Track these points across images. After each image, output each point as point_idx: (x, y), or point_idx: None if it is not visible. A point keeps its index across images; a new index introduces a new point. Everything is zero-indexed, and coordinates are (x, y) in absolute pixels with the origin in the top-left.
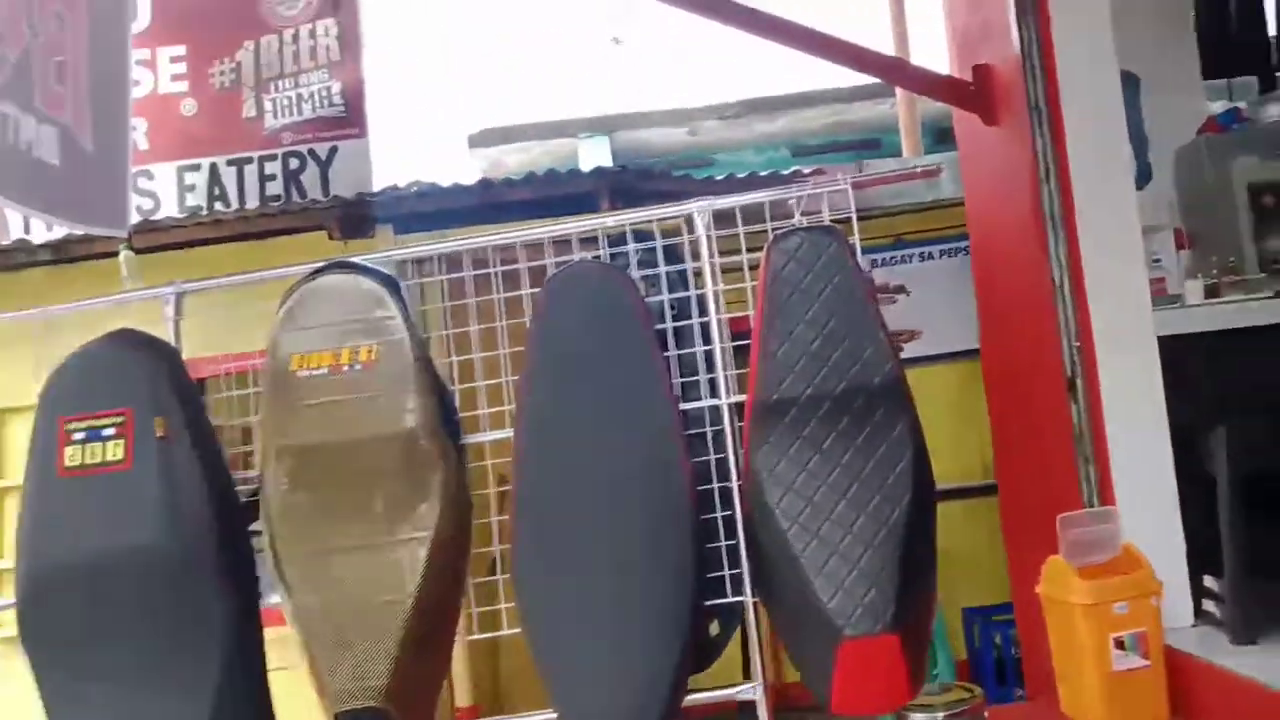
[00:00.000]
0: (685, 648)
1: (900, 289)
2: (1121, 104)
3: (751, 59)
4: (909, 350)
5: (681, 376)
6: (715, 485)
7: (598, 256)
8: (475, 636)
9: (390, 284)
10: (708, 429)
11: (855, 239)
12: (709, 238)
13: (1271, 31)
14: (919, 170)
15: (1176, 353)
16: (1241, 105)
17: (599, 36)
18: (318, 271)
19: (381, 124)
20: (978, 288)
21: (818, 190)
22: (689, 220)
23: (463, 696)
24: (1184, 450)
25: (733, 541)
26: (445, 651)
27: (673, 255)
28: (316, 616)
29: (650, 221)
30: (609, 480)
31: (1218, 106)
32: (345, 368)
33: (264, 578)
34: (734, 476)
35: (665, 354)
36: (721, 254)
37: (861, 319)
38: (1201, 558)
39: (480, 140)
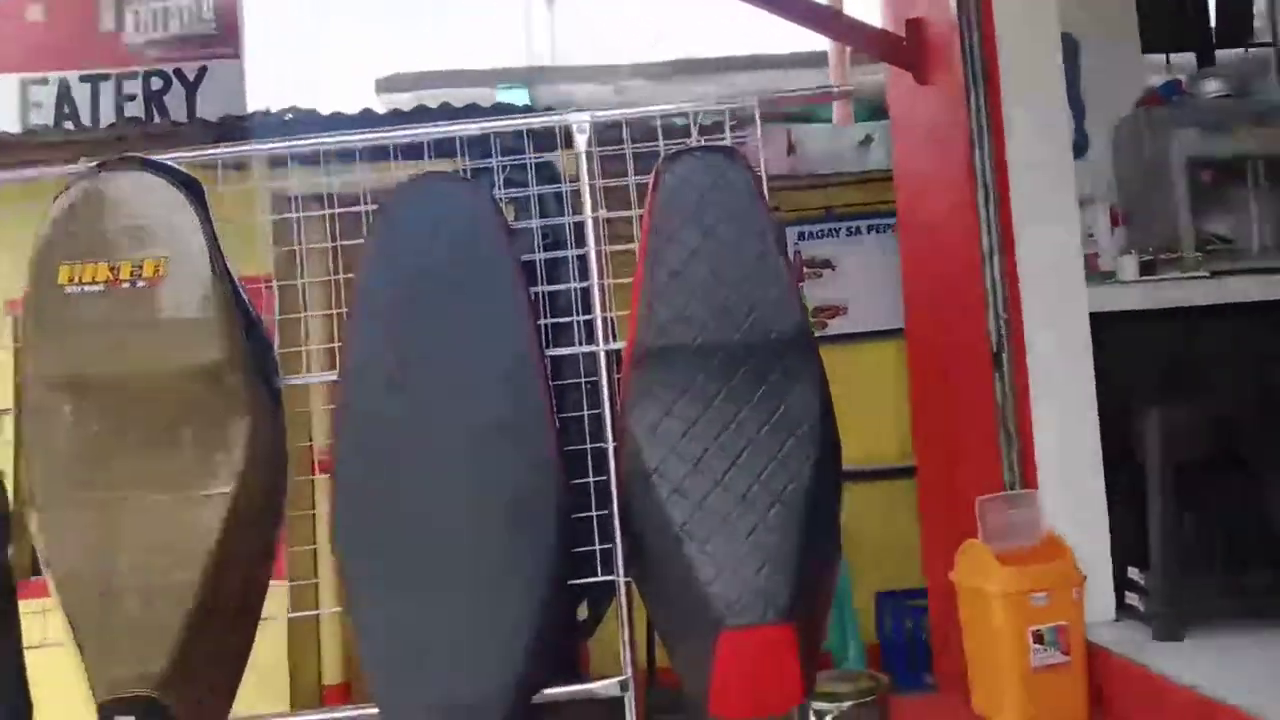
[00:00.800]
0: (541, 633)
1: (827, 264)
2: (1061, 65)
3: (687, 18)
4: (833, 327)
5: (552, 317)
6: (588, 446)
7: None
8: (293, 616)
9: (191, 186)
10: (581, 379)
11: (762, 170)
12: (590, 154)
13: (1211, 6)
14: (835, 91)
15: (1107, 331)
16: (1182, 78)
17: None
18: (101, 166)
19: (279, 60)
20: (904, 258)
21: (720, 107)
22: (567, 133)
23: (331, 673)
24: (1111, 434)
25: (605, 511)
26: (245, 633)
27: (547, 174)
28: (84, 587)
29: (522, 132)
30: (453, 436)
31: (1157, 79)
32: (126, 283)
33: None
34: (609, 436)
35: (533, 290)
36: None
37: (764, 258)
38: (1126, 549)
39: (389, 85)
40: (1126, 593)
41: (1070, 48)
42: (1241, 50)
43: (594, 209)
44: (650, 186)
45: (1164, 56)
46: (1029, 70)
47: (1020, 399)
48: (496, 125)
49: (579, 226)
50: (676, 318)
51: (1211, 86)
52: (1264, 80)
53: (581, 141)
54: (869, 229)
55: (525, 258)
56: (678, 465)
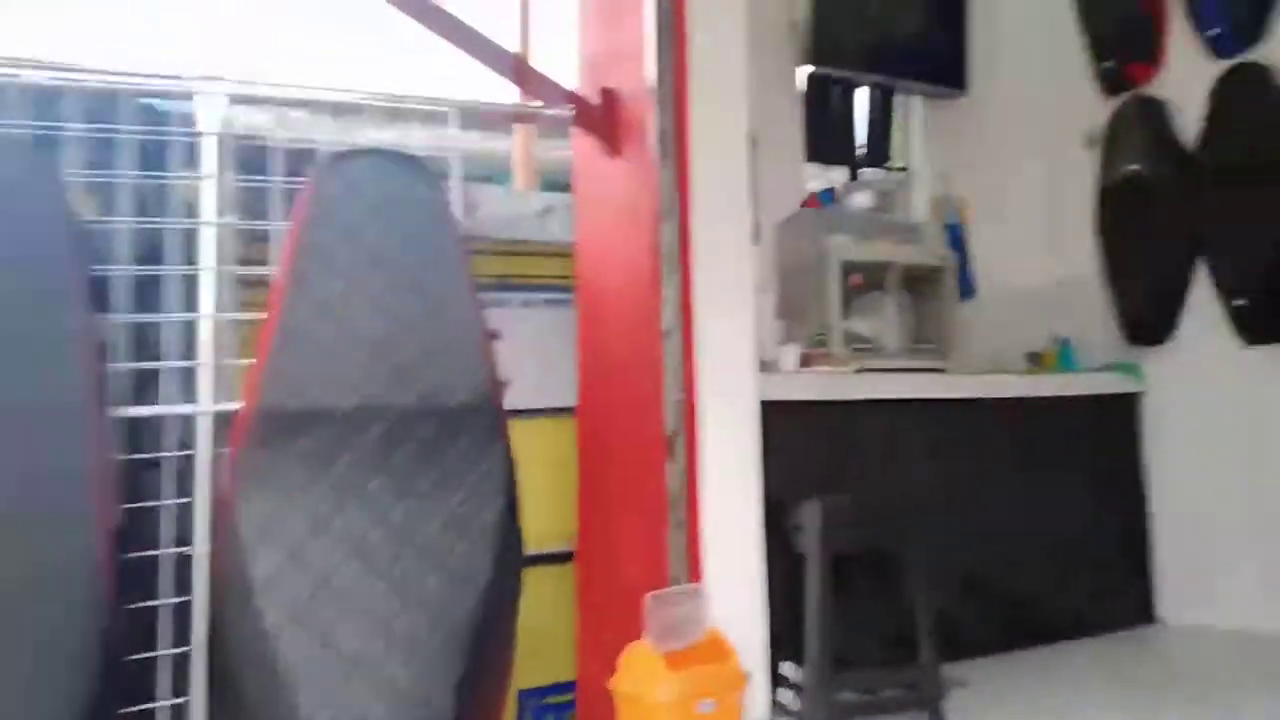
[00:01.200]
0: None
1: (494, 335)
2: (746, 150)
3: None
4: None
5: (138, 359)
6: (162, 550)
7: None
8: None
9: None
10: (173, 454)
11: (456, 183)
12: (221, 139)
13: (860, 127)
14: (543, 108)
15: (767, 420)
16: (836, 188)
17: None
18: None
19: None
20: (581, 335)
21: (408, 106)
22: (189, 116)
23: None
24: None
25: (184, 649)
26: None
27: (156, 158)
28: None
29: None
30: None
31: (817, 185)
32: None
33: None
34: (202, 535)
35: (107, 316)
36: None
37: (450, 298)
38: (775, 644)
39: None
40: (779, 689)
41: (750, 142)
42: (883, 171)
43: (219, 212)
44: (303, 193)
45: (822, 166)
46: (720, 153)
47: (691, 487)
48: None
49: (190, 234)
50: (319, 371)
51: (860, 199)
52: (900, 198)
53: (210, 119)
54: (545, 302)
55: (99, 270)
56: (296, 581)
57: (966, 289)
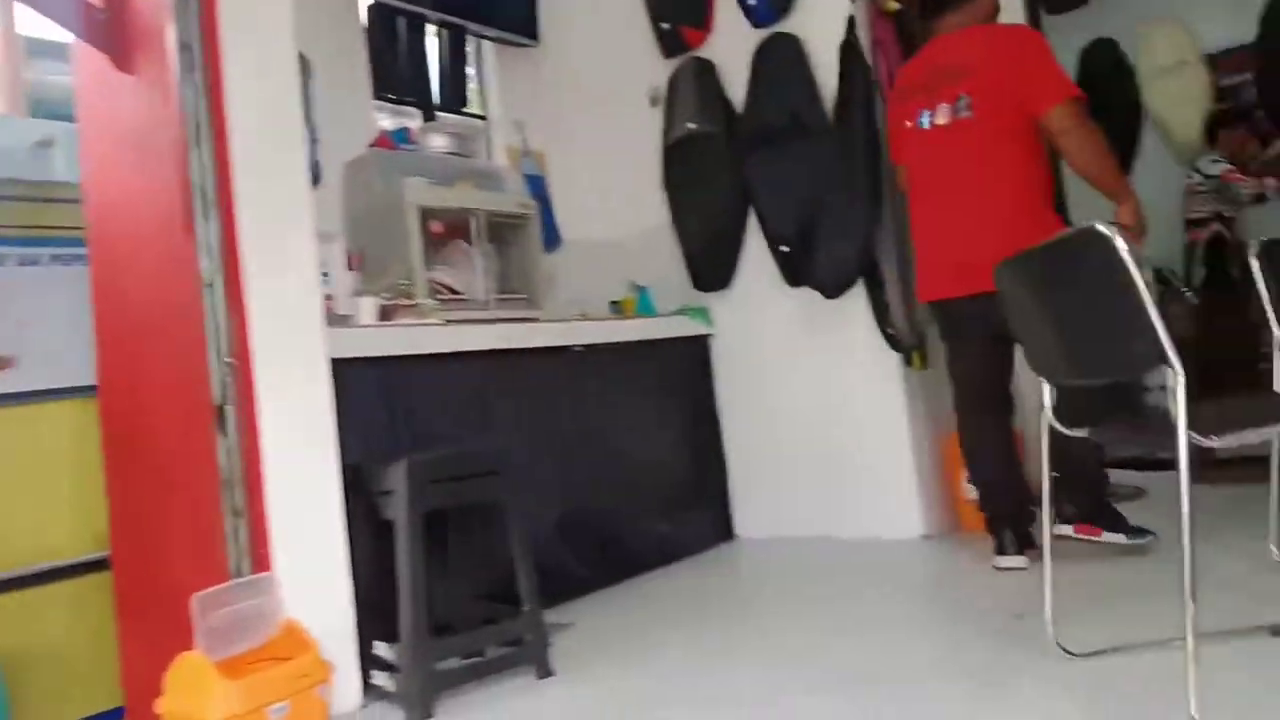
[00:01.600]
0: None
1: None
2: (297, 65)
3: None
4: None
5: None
6: None
7: None
8: None
9: None
10: None
11: None
12: None
13: (433, 68)
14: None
15: (343, 379)
16: (412, 127)
17: None
18: None
19: None
20: (96, 296)
21: None
22: None
23: None
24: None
25: None
26: None
27: None
28: None
29: None
30: None
31: (388, 124)
32: None
33: None
34: None
35: None
36: None
37: None
38: (372, 620)
39: None
40: (373, 671)
41: (304, 67)
42: (459, 116)
43: None
44: None
45: (392, 105)
46: (260, 68)
47: (250, 463)
48: None
49: None
50: None
51: (439, 141)
52: (480, 145)
53: None
54: (52, 259)
55: None
56: None
57: (552, 238)
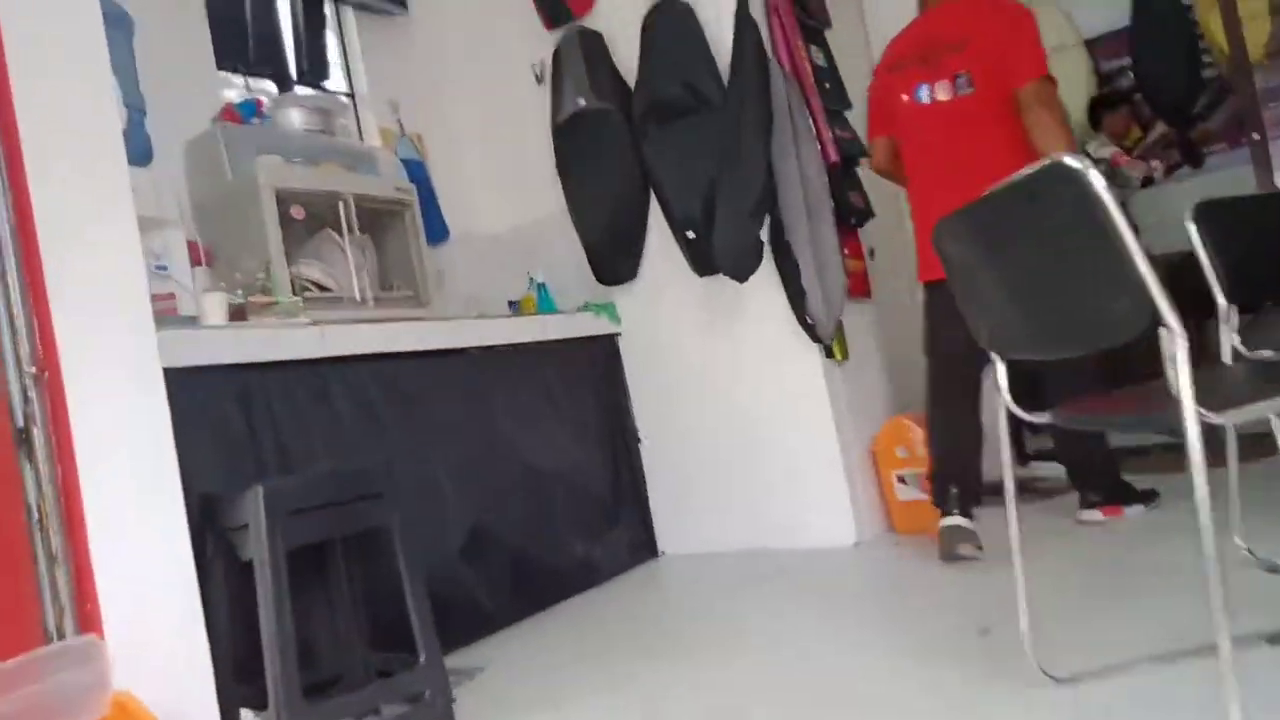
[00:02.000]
0: None
1: None
2: (101, 20)
3: None
4: None
5: None
6: None
7: None
8: None
9: None
10: None
11: None
12: None
13: (287, 35)
14: None
15: (189, 392)
16: (263, 99)
17: None
18: None
19: None
20: None
21: None
22: None
23: None
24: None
25: None
26: None
27: None
28: None
29: None
30: None
31: (234, 96)
32: None
33: None
34: None
35: None
36: None
37: None
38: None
39: None
40: None
41: (123, 24)
42: (320, 91)
43: None
44: None
45: (240, 76)
46: (49, 8)
47: (69, 496)
48: None
49: None
50: None
51: (297, 117)
52: (348, 126)
53: None
54: None
55: None
56: None
57: (439, 232)
